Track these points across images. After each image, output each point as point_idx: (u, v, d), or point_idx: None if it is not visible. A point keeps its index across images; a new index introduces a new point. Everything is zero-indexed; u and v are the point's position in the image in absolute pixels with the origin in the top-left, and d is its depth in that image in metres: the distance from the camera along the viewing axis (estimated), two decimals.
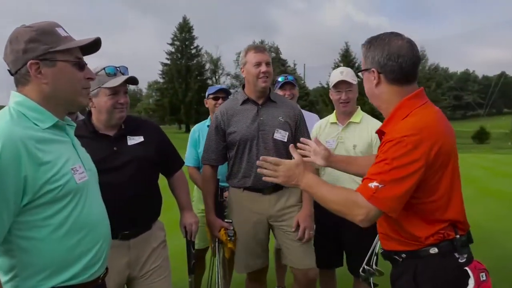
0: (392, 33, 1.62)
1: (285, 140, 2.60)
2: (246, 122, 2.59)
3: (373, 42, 1.62)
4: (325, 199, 1.59)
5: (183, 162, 2.55)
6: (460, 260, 1.51)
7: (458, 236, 1.53)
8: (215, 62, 58.98)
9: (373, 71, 1.60)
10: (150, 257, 2.20)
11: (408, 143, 1.43)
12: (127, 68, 2.24)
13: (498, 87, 39.35)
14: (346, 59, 40.45)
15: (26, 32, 1.31)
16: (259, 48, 2.61)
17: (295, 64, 52.92)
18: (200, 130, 3.38)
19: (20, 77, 1.33)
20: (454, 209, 1.54)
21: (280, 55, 56.92)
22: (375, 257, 2.84)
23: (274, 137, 2.58)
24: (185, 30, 51.54)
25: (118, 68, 2.19)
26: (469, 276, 1.49)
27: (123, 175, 2.09)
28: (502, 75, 58.13)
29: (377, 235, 2.84)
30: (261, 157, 1.76)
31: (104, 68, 2.11)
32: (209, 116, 3.48)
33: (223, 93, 3.38)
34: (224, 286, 2.79)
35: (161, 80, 51.89)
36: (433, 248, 1.52)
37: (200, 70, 52.56)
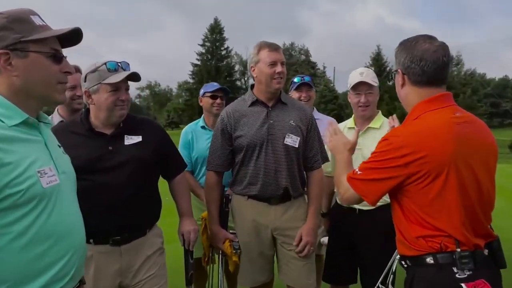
0: (424, 35, 1.63)
1: (296, 146, 2.40)
2: (254, 125, 2.40)
3: (402, 44, 1.67)
4: (335, 173, 1.86)
5: (186, 165, 2.40)
6: (458, 276, 1.47)
7: (459, 249, 1.48)
8: (245, 64, 59.13)
9: (399, 72, 1.66)
10: (144, 265, 2.07)
11: (391, 142, 1.54)
12: (128, 64, 2.13)
13: None
14: (378, 62, 39.61)
15: None
16: (273, 46, 2.41)
17: (324, 67, 52.45)
18: (193, 131, 3.15)
19: None
20: (448, 222, 1.50)
21: (310, 58, 56.49)
22: (392, 276, 2.61)
23: (285, 142, 2.38)
24: (216, 31, 52.00)
25: (119, 64, 2.09)
26: None
27: (117, 176, 1.98)
28: None
29: (395, 251, 2.63)
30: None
31: (105, 63, 2.01)
32: (202, 115, 3.22)
33: (222, 93, 3.12)
34: None
35: (191, 81, 52.54)
36: (428, 257, 1.51)
37: (229, 71, 52.89)
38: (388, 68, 39.40)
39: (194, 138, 3.11)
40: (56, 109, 2.68)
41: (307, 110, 2.59)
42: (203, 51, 51.86)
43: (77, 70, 2.54)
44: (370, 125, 2.66)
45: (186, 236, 2.24)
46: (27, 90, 1.23)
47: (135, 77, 2.06)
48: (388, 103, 31.44)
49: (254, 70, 2.45)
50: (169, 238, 2.41)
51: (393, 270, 2.61)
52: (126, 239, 2.01)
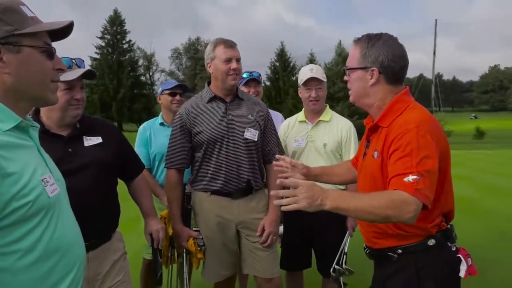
0: (390, 34, 1.63)
1: (256, 139, 2.46)
2: (214, 121, 2.41)
3: (375, 41, 1.59)
4: (365, 210, 1.38)
5: (144, 166, 2.32)
6: (452, 249, 1.58)
7: (449, 226, 1.60)
8: (149, 58, 57.02)
9: (373, 70, 1.58)
10: (111, 271, 1.97)
11: (425, 131, 1.44)
12: (83, 61, 1.99)
13: (418, 88, 42.68)
14: (282, 58, 41.17)
15: None
16: (229, 43, 2.42)
17: None
18: (151, 128, 3.10)
19: None
20: (450, 199, 1.61)
21: None
22: (344, 257, 2.84)
23: (245, 136, 2.43)
24: (116, 24, 49.08)
25: (73, 60, 1.94)
26: (461, 262, 1.56)
27: (81, 180, 1.84)
28: (421, 77, 63.14)
29: (347, 234, 2.86)
30: (272, 192, 1.51)
31: None
32: (161, 113, 3.20)
33: (181, 89, 3.12)
34: None
35: None
36: (431, 240, 1.54)
37: (133, 66, 50.38)
38: (292, 64, 41.29)
39: (152, 135, 3.04)
40: None
41: (263, 105, 2.65)
42: (103, 44, 48.59)
43: None
44: (321, 118, 2.84)
45: (155, 235, 2.18)
46: (19, 89, 1.09)
47: (90, 74, 1.93)
48: (294, 97, 32.99)
49: (210, 66, 2.44)
50: None
51: (345, 251, 2.85)
52: (94, 245, 1.89)
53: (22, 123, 1.11)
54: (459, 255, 1.57)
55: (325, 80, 2.80)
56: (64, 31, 1.20)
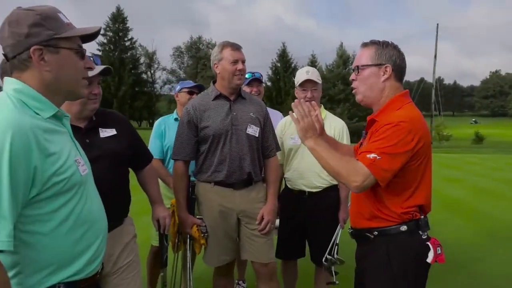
0: (392, 42, 1.88)
1: (257, 135, 2.67)
2: (219, 117, 2.61)
3: (387, 44, 1.84)
4: (328, 161, 1.72)
5: (152, 157, 2.51)
6: (423, 237, 1.77)
7: (422, 217, 1.78)
8: (151, 56, 57.19)
9: (387, 66, 1.80)
10: (122, 252, 2.15)
11: (404, 128, 1.65)
12: (99, 58, 2.17)
13: (418, 92, 42.86)
14: (284, 59, 41.35)
15: (28, 16, 1.24)
16: (235, 45, 2.63)
17: None
18: (166, 123, 3.35)
19: (18, 63, 1.25)
20: (424, 193, 1.78)
21: None
22: (336, 247, 3.04)
23: (247, 132, 2.63)
24: (118, 21, 49.33)
25: (91, 58, 2.12)
26: (429, 249, 1.75)
27: (97, 169, 2.00)
28: (422, 81, 63.23)
29: (338, 226, 3.06)
30: (294, 102, 1.85)
31: None
32: (175, 109, 3.46)
33: (198, 90, 3.38)
34: (192, 282, 2.79)
35: None
36: (403, 226, 1.74)
37: (134, 63, 50.63)
38: (293, 65, 41.46)
39: (167, 129, 3.28)
40: None
41: (262, 104, 2.87)
42: (105, 41, 48.85)
43: None
44: None
45: (162, 221, 2.36)
46: (56, 84, 1.29)
47: (108, 71, 2.12)
48: (295, 97, 33.03)
49: (217, 67, 2.65)
50: None
51: (337, 242, 3.05)
52: (108, 228, 2.08)
53: (58, 113, 1.32)
54: (428, 243, 1.75)
55: (320, 82, 3.01)
56: (92, 35, 1.40)
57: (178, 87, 3.46)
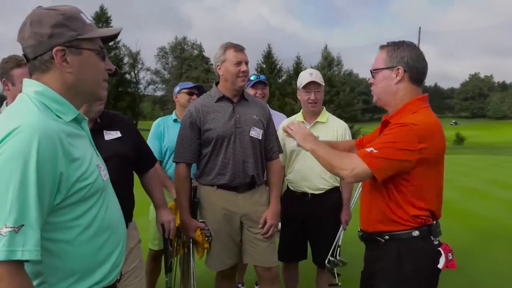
0: (410, 41, 1.83)
1: (260, 138, 2.64)
2: (222, 119, 2.57)
3: (399, 45, 1.81)
4: (325, 156, 1.79)
5: (156, 159, 2.47)
6: (434, 242, 1.77)
7: (434, 222, 1.79)
8: (134, 56, 56.43)
9: (398, 68, 1.77)
10: (127, 258, 2.11)
11: (413, 129, 1.63)
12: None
13: None
14: (269, 60, 41.36)
15: (51, 15, 1.19)
16: (239, 47, 2.60)
17: None
18: (165, 123, 3.31)
19: (39, 64, 1.20)
20: (436, 199, 1.78)
21: (204, 53, 56.51)
22: (338, 249, 3.05)
23: (250, 134, 2.60)
24: (102, 20, 48.55)
25: None
26: (440, 255, 1.75)
27: None
28: None
29: (341, 227, 3.06)
30: (285, 125, 2.03)
31: None
32: (174, 110, 3.42)
33: (198, 90, 3.36)
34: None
35: None
36: (415, 231, 1.73)
37: (118, 63, 49.69)
38: (278, 66, 41.55)
39: (166, 130, 3.24)
40: (4, 104, 2.47)
41: (265, 106, 2.85)
42: None
43: None
44: (318, 119, 3.04)
45: (167, 225, 2.33)
46: (78, 86, 1.25)
47: (115, 72, 2.08)
48: (279, 99, 33.28)
49: (220, 68, 2.61)
50: None
51: (339, 244, 3.06)
52: None
53: (79, 116, 1.28)
54: (440, 249, 1.75)
55: (323, 84, 3.01)
56: (112, 37, 1.36)
57: (177, 88, 3.42)
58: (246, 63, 2.60)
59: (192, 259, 2.64)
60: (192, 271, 2.64)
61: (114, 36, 1.35)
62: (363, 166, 1.63)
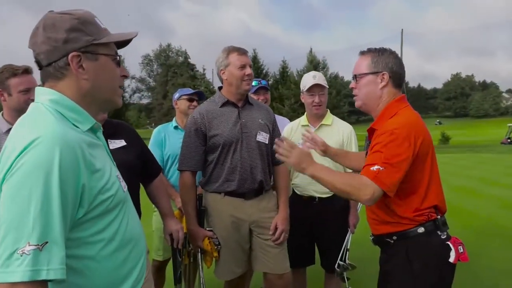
0: (390, 48, 1.90)
1: (267, 142, 2.59)
2: (228, 124, 2.51)
3: (383, 51, 1.86)
4: (333, 182, 1.72)
5: (161, 168, 2.41)
6: (442, 237, 1.77)
7: (439, 217, 1.79)
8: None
9: (384, 74, 1.83)
10: None
11: (399, 134, 1.67)
12: None
13: None
14: (255, 65, 41.53)
15: (65, 20, 1.12)
16: (242, 50, 2.55)
17: (204, 69, 52.63)
18: (166, 131, 3.24)
19: (54, 71, 1.13)
20: (435, 193, 1.79)
21: (189, 60, 56.32)
22: (347, 253, 3.01)
23: (257, 139, 2.55)
24: None
25: None
26: (450, 249, 1.75)
27: None
28: None
29: (349, 231, 3.02)
30: (277, 140, 1.88)
31: None
32: (174, 117, 3.36)
33: (198, 97, 3.32)
34: None
35: None
36: (420, 228, 1.75)
37: None
38: (264, 71, 41.71)
39: (167, 137, 3.18)
40: (0, 115, 2.36)
41: (270, 110, 2.80)
42: None
43: (30, 71, 2.30)
44: (323, 122, 3.00)
45: (175, 235, 2.27)
46: (94, 94, 1.18)
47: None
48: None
49: (224, 73, 2.55)
50: None
51: (348, 247, 3.01)
52: None
53: (95, 125, 1.21)
54: (448, 243, 1.75)
55: (327, 86, 2.98)
56: (127, 42, 1.30)
57: (177, 95, 3.37)
58: (250, 66, 2.55)
59: (201, 269, 2.56)
60: (201, 282, 2.55)
61: (129, 41, 1.29)
62: (377, 188, 1.64)
